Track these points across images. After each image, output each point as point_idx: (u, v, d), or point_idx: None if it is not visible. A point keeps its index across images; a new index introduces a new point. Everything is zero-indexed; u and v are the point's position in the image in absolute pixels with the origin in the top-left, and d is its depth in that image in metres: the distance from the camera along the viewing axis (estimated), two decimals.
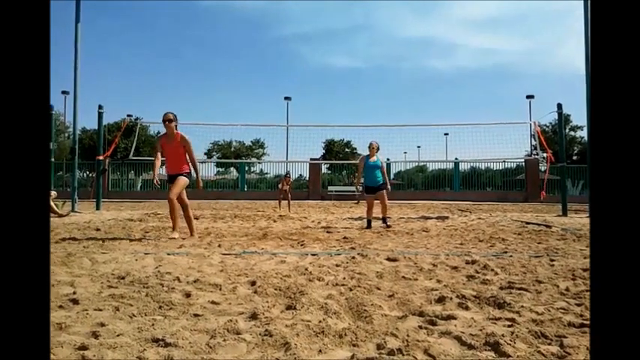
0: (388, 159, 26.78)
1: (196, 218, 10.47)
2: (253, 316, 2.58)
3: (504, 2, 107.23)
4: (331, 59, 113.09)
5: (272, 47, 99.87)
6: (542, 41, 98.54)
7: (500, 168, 31.19)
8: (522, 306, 2.81)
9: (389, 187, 8.90)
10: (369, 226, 8.50)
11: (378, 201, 8.72)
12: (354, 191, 26.70)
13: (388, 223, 8.67)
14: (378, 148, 8.87)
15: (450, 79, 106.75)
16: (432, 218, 11.21)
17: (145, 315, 2.61)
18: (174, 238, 6.32)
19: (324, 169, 32.31)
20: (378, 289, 3.31)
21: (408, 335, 2.26)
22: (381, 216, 8.78)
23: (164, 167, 7.16)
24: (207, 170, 36.29)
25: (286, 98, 39.13)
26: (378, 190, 8.67)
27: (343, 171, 33.62)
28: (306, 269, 4.03)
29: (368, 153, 8.91)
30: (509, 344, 2.11)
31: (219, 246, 5.69)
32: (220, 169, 39.36)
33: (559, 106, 13.18)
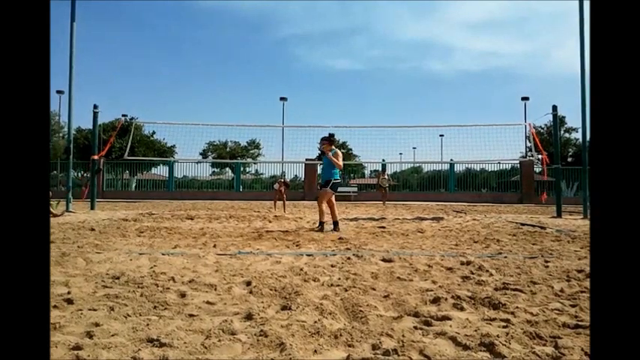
0: (384, 160, 26.84)
1: (191, 218, 10.47)
2: (248, 317, 2.58)
3: (504, 3, 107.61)
4: (329, 61, 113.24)
5: (269, 48, 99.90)
6: (540, 43, 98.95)
7: (495, 169, 31.24)
8: (517, 307, 2.82)
9: (335, 179, 7.89)
10: (335, 227, 7.80)
11: (333, 201, 7.94)
12: (349, 192, 26.73)
13: (317, 228, 7.84)
14: (331, 142, 8.01)
15: (448, 82, 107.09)
16: (427, 219, 11.23)
17: (140, 315, 2.61)
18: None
19: (319, 169, 32.30)
20: (374, 289, 3.32)
21: (403, 336, 2.27)
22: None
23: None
24: (203, 170, 36.24)
25: (282, 99, 39.15)
26: (324, 187, 7.92)
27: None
28: (302, 270, 4.03)
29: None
30: (504, 345, 2.12)
31: (215, 246, 5.68)
32: (216, 170, 39.30)
33: (554, 107, 13.22)
